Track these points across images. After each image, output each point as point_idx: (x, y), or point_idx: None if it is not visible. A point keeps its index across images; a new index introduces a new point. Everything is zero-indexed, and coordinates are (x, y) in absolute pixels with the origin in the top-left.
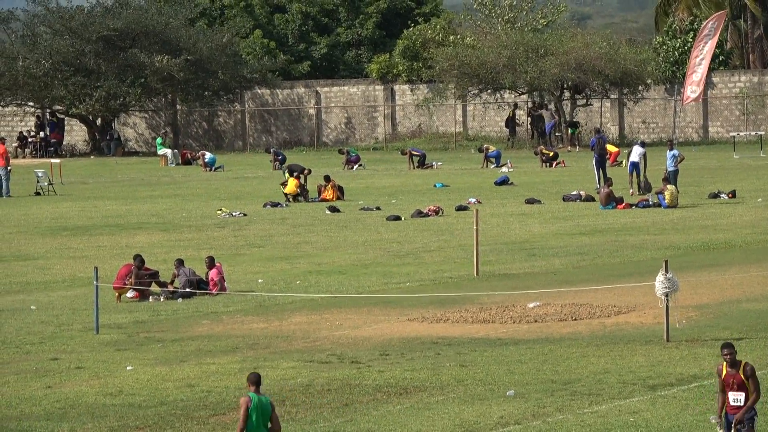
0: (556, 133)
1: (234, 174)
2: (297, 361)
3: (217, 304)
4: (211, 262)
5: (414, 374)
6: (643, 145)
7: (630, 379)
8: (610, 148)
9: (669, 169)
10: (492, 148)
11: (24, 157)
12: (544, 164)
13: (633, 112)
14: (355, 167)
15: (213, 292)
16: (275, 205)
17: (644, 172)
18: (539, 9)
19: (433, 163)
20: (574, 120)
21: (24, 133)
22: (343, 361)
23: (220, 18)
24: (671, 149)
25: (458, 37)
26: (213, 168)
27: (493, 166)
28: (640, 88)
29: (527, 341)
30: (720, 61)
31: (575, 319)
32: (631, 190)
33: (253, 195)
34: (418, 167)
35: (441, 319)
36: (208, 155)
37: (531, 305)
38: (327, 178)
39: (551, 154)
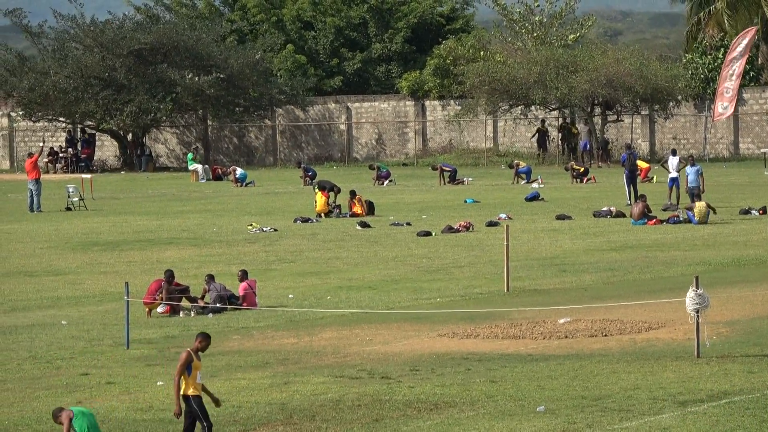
0: (593, 150)
1: (265, 189)
2: (327, 376)
3: (248, 320)
4: (243, 276)
5: (444, 390)
6: (693, 162)
7: (660, 395)
8: (641, 164)
9: (691, 185)
10: (523, 164)
11: (55, 173)
12: (575, 180)
13: (664, 129)
14: (385, 183)
15: (242, 306)
16: (306, 220)
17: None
18: (569, 24)
19: (464, 178)
20: (605, 137)
21: (55, 149)
22: (374, 376)
23: (251, 34)
24: (693, 164)
25: (488, 53)
26: (244, 183)
27: (523, 182)
28: (671, 104)
29: (557, 357)
30: (751, 77)
31: (605, 335)
32: (669, 202)
33: (284, 210)
34: (449, 182)
35: (471, 335)
36: (239, 171)
37: (561, 321)
38: (353, 194)
39: (582, 169)
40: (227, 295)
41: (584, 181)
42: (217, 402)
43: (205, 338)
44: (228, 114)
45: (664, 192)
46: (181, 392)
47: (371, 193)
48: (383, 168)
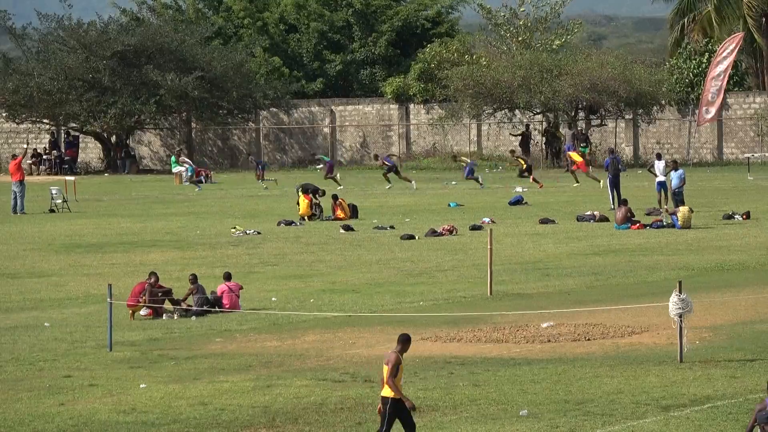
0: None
1: (248, 192)
2: (310, 379)
3: (231, 322)
4: (226, 278)
5: (427, 393)
6: (676, 166)
7: (643, 399)
8: (575, 157)
9: (675, 189)
10: (466, 159)
11: (39, 174)
12: (523, 174)
13: (647, 133)
14: (330, 176)
15: (225, 309)
16: (289, 223)
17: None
18: (554, 30)
19: (413, 181)
20: (584, 134)
21: (39, 150)
22: (357, 379)
23: (234, 36)
24: (676, 169)
25: (473, 57)
26: (192, 180)
27: (465, 174)
28: (655, 108)
29: (540, 361)
30: (735, 82)
31: (588, 339)
32: (665, 207)
33: (268, 213)
34: (385, 174)
35: (454, 339)
36: (186, 168)
37: (544, 325)
38: (335, 197)
39: (524, 165)
40: (213, 299)
41: (531, 179)
42: (413, 407)
43: (408, 340)
44: (211, 116)
45: (649, 196)
46: (381, 392)
47: (347, 195)
48: (325, 159)
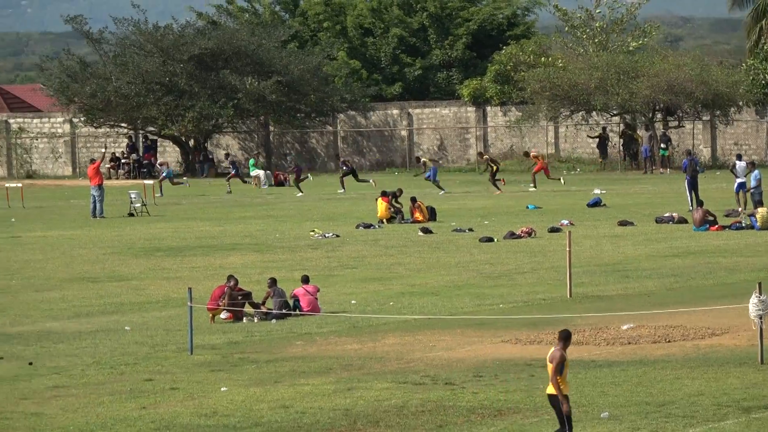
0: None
1: (327, 195)
2: (391, 382)
3: (311, 325)
4: (304, 281)
5: (508, 396)
6: (753, 167)
7: (724, 401)
8: (537, 160)
9: (751, 190)
10: (429, 164)
11: (117, 179)
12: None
13: (725, 134)
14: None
15: (306, 312)
16: (368, 226)
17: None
18: (631, 31)
19: (371, 180)
20: (667, 135)
21: (117, 154)
22: (437, 382)
23: (311, 40)
24: (753, 170)
25: (549, 59)
26: (174, 180)
27: (426, 175)
28: (732, 110)
29: (621, 363)
30: None
31: (669, 341)
32: (740, 208)
33: (346, 216)
34: (343, 177)
35: (534, 341)
36: (166, 170)
37: (624, 327)
38: (414, 200)
39: (494, 168)
40: (287, 301)
41: (494, 182)
42: (568, 411)
43: (569, 336)
44: (289, 120)
45: (727, 197)
46: (546, 390)
47: (431, 199)
48: (294, 165)
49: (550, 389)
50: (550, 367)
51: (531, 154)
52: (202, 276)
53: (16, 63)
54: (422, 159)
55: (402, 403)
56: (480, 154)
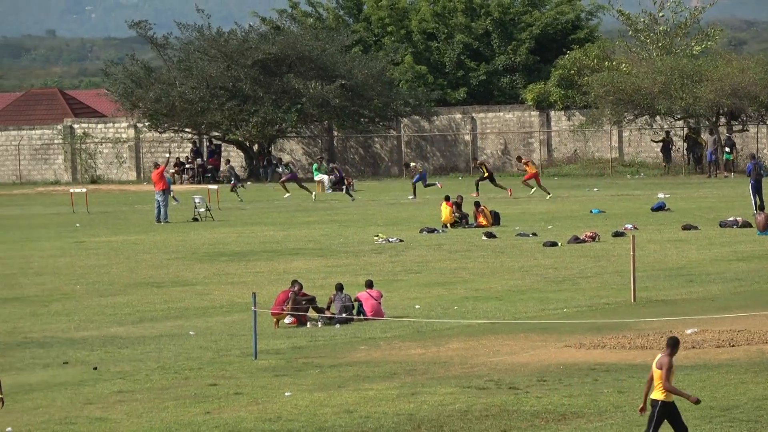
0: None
1: (391, 200)
2: (455, 386)
3: (375, 330)
4: (368, 286)
5: (572, 400)
6: None
7: None
8: (529, 168)
9: None
10: (419, 169)
11: (182, 183)
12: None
13: None
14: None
15: (370, 317)
16: (431, 231)
17: None
18: (694, 35)
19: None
20: (732, 139)
21: (181, 159)
22: (501, 386)
23: (375, 45)
24: None
25: (613, 63)
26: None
27: (415, 179)
28: None
29: (685, 367)
30: None
31: (733, 346)
32: None
33: (410, 221)
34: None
35: (598, 346)
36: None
37: (689, 331)
38: (477, 205)
39: (486, 174)
40: (352, 306)
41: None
42: (697, 400)
43: (677, 343)
44: (353, 124)
45: None
46: (651, 395)
47: (488, 202)
48: (289, 170)
49: (656, 395)
50: (658, 373)
51: (522, 160)
52: (266, 281)
53: (81, 68)
54: (411, 164)
55: (466, 407)
56: (474, 160)
